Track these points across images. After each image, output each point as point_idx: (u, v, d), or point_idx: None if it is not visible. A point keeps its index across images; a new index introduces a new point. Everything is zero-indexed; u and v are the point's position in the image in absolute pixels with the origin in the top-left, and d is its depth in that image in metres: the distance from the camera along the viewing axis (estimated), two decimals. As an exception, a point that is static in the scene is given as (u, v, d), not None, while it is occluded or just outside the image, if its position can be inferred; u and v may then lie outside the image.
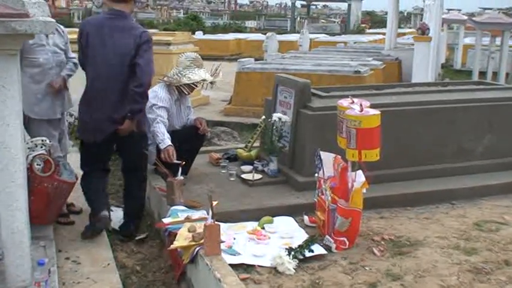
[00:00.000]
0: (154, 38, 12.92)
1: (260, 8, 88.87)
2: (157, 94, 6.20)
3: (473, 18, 19.08)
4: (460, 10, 35.80)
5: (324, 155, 5.14)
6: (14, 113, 3.84)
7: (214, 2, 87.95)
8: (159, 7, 66.27)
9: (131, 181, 5.91)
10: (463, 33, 23.62)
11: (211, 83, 6.43)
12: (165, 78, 6.38)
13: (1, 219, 3.97)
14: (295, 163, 6.43)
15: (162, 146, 5.91)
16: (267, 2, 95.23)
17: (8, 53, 3.74)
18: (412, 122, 6.59)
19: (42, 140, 5.10)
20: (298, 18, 53.70)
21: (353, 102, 5.08)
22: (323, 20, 61.14)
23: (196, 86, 6.40)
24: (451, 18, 23.61)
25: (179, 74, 6.30)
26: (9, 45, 3.71)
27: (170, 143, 5.91)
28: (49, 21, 3.65)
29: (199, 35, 30.39)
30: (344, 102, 5.12)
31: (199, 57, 6.48)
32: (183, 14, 62.27)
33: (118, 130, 5.48)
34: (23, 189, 4.01)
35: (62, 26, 5.80)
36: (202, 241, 4.44)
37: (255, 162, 6.74)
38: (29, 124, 5.46)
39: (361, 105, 4.95)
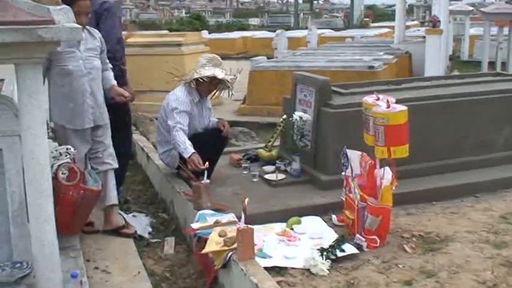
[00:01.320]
0: (164, 39, 13.03)
1: (262, 4, 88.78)
2: (178, 97, 6.11)
3: (481, 9, 18.99)
4: (461, 0, 35.74)
5: (351, 153, 5.10)
6: (41, 123, 3.77)
7: (215, 0, 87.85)
8: (160, 7, 66.19)
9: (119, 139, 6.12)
10: (469, 24, 23.55)
11: (229, 85, 6.32)
12: (182, 78, 6.33)
13: (31, 232, 3.92)
14: (318, 162, 6.36)
15: (186, 155, 5.81)
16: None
17: (34, 62, 3.68)
18: (432, 116, 6.53)
19: (67, 149, 5.05)
20: (302, 14, 53.60)
21: (378, 98, 5.03)
22: (326, 15, 61.03)
23: (206, 80, 6.17)
24: (456, 10, 23.50)
25: (193, 72, 6.23)
26: (36, 53, 3.64)
27: (193, 150, 5.81)
28: (75, 27, 3.58)
29: (204, 34, 30.31)
30: (369, 100, 5.07)
31: (218, 57, 6.37)
32: (185, 13, 62.23)
33: (113, 99, 5.77)
34: (51, 200, 3.94)
35: (95, 30, 5.66)
36: (234, 245, 4.39)
37: (277, 162, 6.65)
38: (60, 133, 5.47)
39: (387, 101, 4.90)
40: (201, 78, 6.11)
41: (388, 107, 4.83)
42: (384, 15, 55.00)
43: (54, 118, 5.49)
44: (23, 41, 3.44)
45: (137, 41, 7.26)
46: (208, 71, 6.11)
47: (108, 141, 5.79)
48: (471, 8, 23.78)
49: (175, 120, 5.99)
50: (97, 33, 5.63)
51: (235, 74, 6.35)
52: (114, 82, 5.77)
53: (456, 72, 14.74)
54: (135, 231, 5.86)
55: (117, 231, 5.80)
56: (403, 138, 4.83)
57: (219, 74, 6.15)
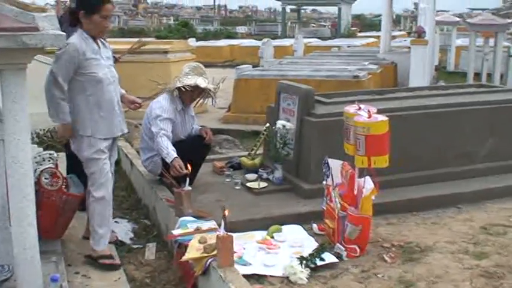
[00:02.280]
0: (151, 46, 13.06)
1: (249, 13, 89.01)
2: (161, 105, 6.15)
3: (467, 20, 19.14)
4: (448, 11, 35.95)
5: (332, 162, 5.16)
6: (25, 128, 3.81)
7: (204, 9, 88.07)
8: (149, 15, 66.30)
9: None
10: (455, 34, 23.67)
11: (212, 94, 6.36)
12: (166, 86, 6.37)
13: (13, 235, 3.94)
14: (300, 170, 6.41)
15: (168, 160, 5.85)
16: (256, 7, 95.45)
17: (18, 68, 3.71)
18: (415, 127, 6.59)
19: (50, 154, 5.07)
20: (289, 23, 53.71)
21: (360, 108, 5.08)
22: (313, 24, 61.21)
23: (189, 90, 6.19)
24: (444, 20, 23.63)
25: (176, 80, 6.27)
26: (20, 60, 3.68)
27: (175, 155, 5.84)
28: (59, 34, 3.62)
29: (192, 42, 30.31)
30: (351, 109, 5.12)
31: (202, 66, 6.42)
32: (174, 21, 62.31)
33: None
34: (33, 205, 3.97)
35: (105, 40, 5.43)
36: (214, 252, 4.42)
37: (259, 170, 6.71)
38: (84, 144, 5.14)
39: (368, 111, 4.94)
40: (183, 87, 6.16)
41: (370, 116, 4.88)
42: (372, 25, 55.19)
43: (80, 128, 5.14)
44: (7, 47, 3.47)
45: (123, 48, 7.30)
46: (191, 80, 6.15)
47: (115, 156, 5.68)
48: (458, 19, 23.90)
49: (158, 126, 6.02)
50: (107, 43, 5.42)
51: (219, 83, 6.40)
52: (123, 91, 5.64)
53: (442, 83, 14.81)
54: (116, 238, 5.85)
55: None
56: (384, 148, 4.88)
57: (202, 83, 6.19)
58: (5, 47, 3.47)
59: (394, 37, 27.12)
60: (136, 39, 10.03)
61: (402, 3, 53.93)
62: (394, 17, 60.69)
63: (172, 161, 5.81)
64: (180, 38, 28.15)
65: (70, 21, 5.15)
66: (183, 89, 6.17)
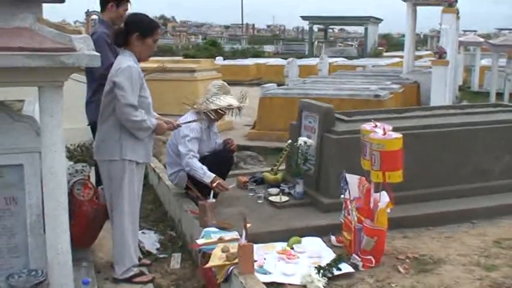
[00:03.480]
0: (178, 65, 13.35)
1: (277, 32, 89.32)
2: (188, 124, 6.24)
3: (489, 41, 19.26)
4: (475, 31, 35.88)
5: (349, 177, 5.34)
6: (60, 141, 4.08)
7: (232, 27, 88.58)
8: (178, 33, 66.80)
9: None
10: (479, 55, 23.72)
11: (238, 109, 6.56)
12: (195, 106, 6.55)
13: (47, 241, 4.20)
14: (320, 185, 6.60)
15: (208, 180, 6.03)
16: (284, 27, 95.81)
17: (56, 85, 3.99)
18: (432, 144, 6.77)
19: (83, 166, 5.31)
20: (316, 42, 53.84)
21: (376, 126, 5.30)
22: (340, 44, 61.27)
23: (224, 112, 6.50)
24: (467, 41, 23.70)
25: (207, 101, 6.43)
26: (57, 77, 3.97)
27: (213, 174, 6.06)
28: (94, 54, 3.90)
29: (219, 60, 30.52)
30: (367, 126, 5.33)
31: (226, 84, 6.65)
32: (202, 39, 62.76)
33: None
34: (66, 212, 4.23)
35: None
36: (236, 260, 4.62)
37: (281, 184, 6.94)
38: (127, 170, 5.12)
39: (384, 129, 5.16)
40: (221, 110, 6.42)
41: (384, 133, 5.09)
42: (399, 44, 55.19)
43: (127, 153, 5.10)
44: (47, 66, 3.78)
45: (151, 66, 7.57)
46: (223, 102, 6.39)
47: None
48: (481, 40, 23.96)
49: (187, 148, 6.22)
50: None
51: (245, 99, 6.63)
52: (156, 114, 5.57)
53: (465, 103, 14.93)
54: (143, 248, 6.09)
55: None
56: (398, 164, 5.07)
57: (234, 102, 6.46)
58: (45, 66, 3.77)
59: (420, 57, 27.21)
60: (158, 58, 10.27)
61: (430, 23, 53.74)
62: (422, 36, 60.77)
63: (213, 180, 6.03)
64: (207, 56, 28.43)
65: (116, 41, 5.23)
66: (220, 112, 6.44)
